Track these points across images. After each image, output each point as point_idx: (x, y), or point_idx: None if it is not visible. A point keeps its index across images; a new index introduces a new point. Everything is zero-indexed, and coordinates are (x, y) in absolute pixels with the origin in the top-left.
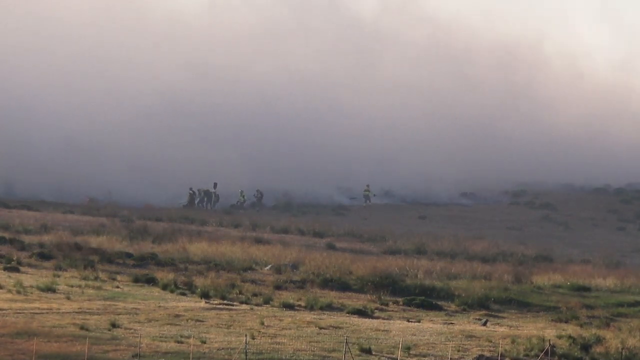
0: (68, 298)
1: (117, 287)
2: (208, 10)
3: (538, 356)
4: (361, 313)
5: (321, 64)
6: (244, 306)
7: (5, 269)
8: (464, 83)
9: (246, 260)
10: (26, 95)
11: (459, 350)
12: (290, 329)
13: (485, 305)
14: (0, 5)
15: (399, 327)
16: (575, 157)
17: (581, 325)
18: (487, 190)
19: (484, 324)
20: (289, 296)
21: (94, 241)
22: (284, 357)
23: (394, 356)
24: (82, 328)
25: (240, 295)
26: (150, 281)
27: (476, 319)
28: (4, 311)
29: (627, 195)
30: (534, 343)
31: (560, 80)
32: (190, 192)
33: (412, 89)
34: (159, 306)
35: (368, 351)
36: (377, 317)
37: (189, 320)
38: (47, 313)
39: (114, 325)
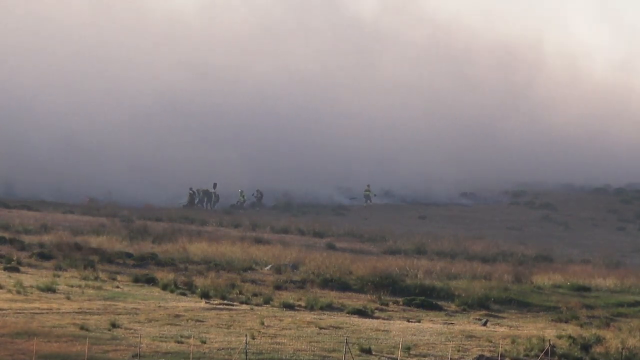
0: (68, 298)
1: (117, 287)
2: (208, 10)
3: (538, 356)
4: (361, 313)
5: (321, 64)
6: (244, 306)
7: (5, 269)
8: (464, 83)
9: (246, 260)
10: (26, 95)
11: (459, 351)
12: (290, 329)
13: (485, 305)
14: (0, 5)
15: (399, 327)
16: (575, 157)
17: (581, 325)
18: (487, 190)
19: (484, 324)
20: (289, 296)
21: (94, 241)
22: (284, 357)
23: (394, 356)
24: (82, 328)
25: (240, 295)
26: (150, 281)
27: (476, 319)
28: (4, 311)
29: (627, 195)
30: (534, 343)
31: (560, 80)
32: (190, 192)
33: (412, 89)
34: (159, 306)
35: (368, 351)
36: (377, 317)
37: (189, 320)
38: (47, 313)
39: (114, 325)
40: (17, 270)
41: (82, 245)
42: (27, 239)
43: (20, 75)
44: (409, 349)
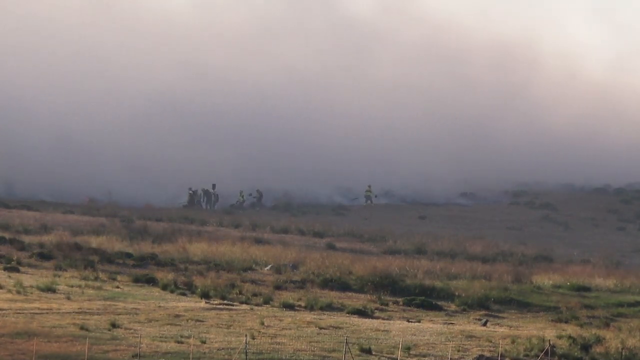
0: (68, 298)
1: (117, 287)
2: (208, 10)
3: (538, 356)
4: (361, 313)
5: (321, 64)
6: (244, 306)
7: (5, 269)
8: (461, 82)
9: (246, 260)
10: (26, 96)
11: (459, 351)
12: (290, 329)
13: (485, 305)
14: None
15: (399, 327)
16: (576, 157)
17: (581, 325)
18: (487, 190)
19: (484, 324)
20: (289, 296)
21: (94, 241)
22: (284, 357)
23: (394, 356)
24: (82, 328)
25: (240, 295)
26: (150, 281)
27: (476, 319)
28: (4, 311)
29: (627, 195)
30: (534, 343)
31: (556, 79)
32: (190, 192)
33: (410, 88)
34: (159, 306)
35: (368, 351)
36: (377, 317)
37: (189, 320)
38: (47, 313)
39: (114, 325)
40: (17, 270)
41: (82, 246)
42: (27, 239)
43: (20, 75)
44: (409, 349)
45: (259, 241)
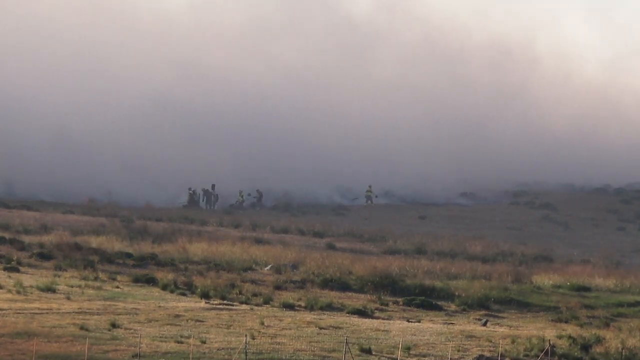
0: (68, 298)
1: (117, 287)
2: (208, 10)
3: (538, 356)
4: (361, 313)
5: (320, 64)
6: (244, 306)
7: (5, 269)
8: (461, 82)
9: (246, 260)
10: (26, 96)
11: (459, 350)
12: (290, 329)
13: (485, 305)
14: None
15: (399, 327)
16: (575, 157)
17: (581, 325)
18: (487, 190)
19: (484, 324)
20: (289, 296)
21: (94, 241)
22: (284, 357)
23: (394, 356)
24: (82, 328)
25: (240, 296)
26: (150, 281)
27: (476, 319)
28: (4, 311)
29: (627, 195)
30: (534, 343)
31: (553, 79)
32: (190, 192)
33: (411, 88)
34: (159, 306)
35: (368, 351)
36: (377, 317)
37: (189, 321)
38: (47, 313)
39: (114, 325)
40: (17, 270)
41: (82, 246)
42: (27, 239)
43: (20, 75)
44: (409, 349)
45: (259, 241)
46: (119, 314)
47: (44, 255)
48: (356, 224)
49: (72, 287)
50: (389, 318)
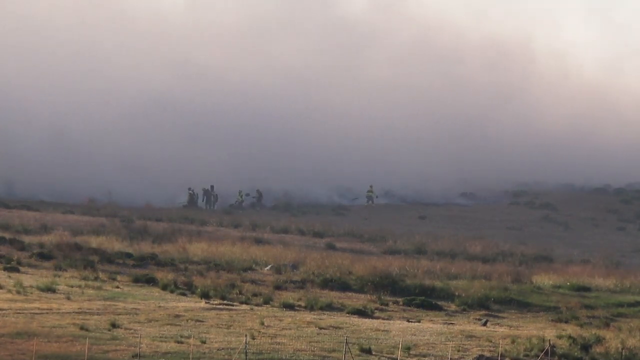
0: (68, 298)
1: (117, 287)
2: (206, 10)
3: (538, 356)
4: (361, 313)
5: (318, 64)
6: (244, 306)
7: (5, 269)
8: (459, 82)
9: (246, 260)
10: (25, 96)
11: (459, 350)
12: (290, 329)
13: (485, 305)
14: None
15: (399, 327)
16: (575, 157)
17: (581, 325)
18: (487, 190)
19: (484, 324)
20: (289, 296)
21: (94, 241)
22: (284, 357)
23: (394, 356)
24: (82, 328)
25: (240, 296)
26: (150, 281)
27: (476, 319)
28: (4, 311)
29: (627, 195)
30: (534, 343)
31: (550, 79)
32: (190, 192)
33: (408, 88)
34: (159, 306)
35: (368, 351)
36: (377, 317)
37: (189, 321)
38: (47, 313)
39: (114, 325)
40: (17, 270)
41: (82, 246)
42: (27, 239)
43: (20, 75)
44: (409, 349)
45: (259, 241)
46: (119, 314)
47: (44, 255)
48: (356, 224)
49: (72, 287)
50: (389, 318)
